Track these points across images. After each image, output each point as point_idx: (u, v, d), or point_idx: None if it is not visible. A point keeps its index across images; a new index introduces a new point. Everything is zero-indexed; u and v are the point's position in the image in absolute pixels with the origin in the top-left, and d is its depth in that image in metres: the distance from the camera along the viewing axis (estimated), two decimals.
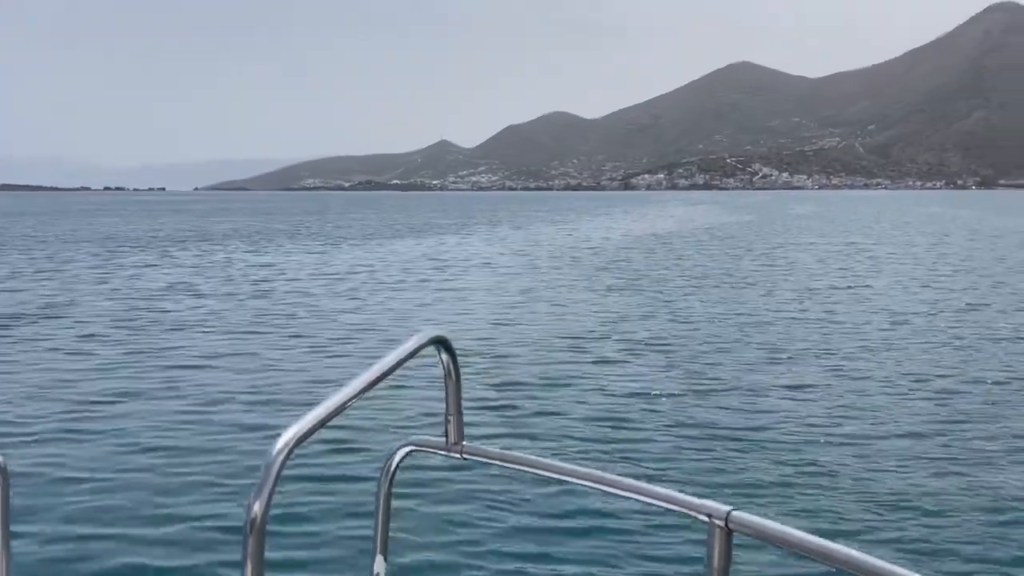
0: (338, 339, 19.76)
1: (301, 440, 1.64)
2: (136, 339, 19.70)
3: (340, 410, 1.74)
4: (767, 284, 31.56)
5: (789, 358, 17.81)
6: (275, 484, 1.58)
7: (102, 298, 27.51)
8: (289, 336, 20.25)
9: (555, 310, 24.50)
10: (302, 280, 33.22)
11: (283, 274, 35.83)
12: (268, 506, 1.57)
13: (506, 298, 27.27)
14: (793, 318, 23.52)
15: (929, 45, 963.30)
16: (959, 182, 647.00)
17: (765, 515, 1.62)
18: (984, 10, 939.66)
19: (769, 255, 45.80)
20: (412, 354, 1.92)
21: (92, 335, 20.18)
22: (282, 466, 1.60)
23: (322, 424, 1.69)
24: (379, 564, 2.15)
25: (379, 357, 1.87)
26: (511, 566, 7.86)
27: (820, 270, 37.09)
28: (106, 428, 12.19)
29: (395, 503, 2.15)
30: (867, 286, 30.82)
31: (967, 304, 25.84)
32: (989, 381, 15.82)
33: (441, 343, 2.01)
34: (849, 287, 30.57)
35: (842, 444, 11.67)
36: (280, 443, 1.61)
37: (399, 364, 1.88)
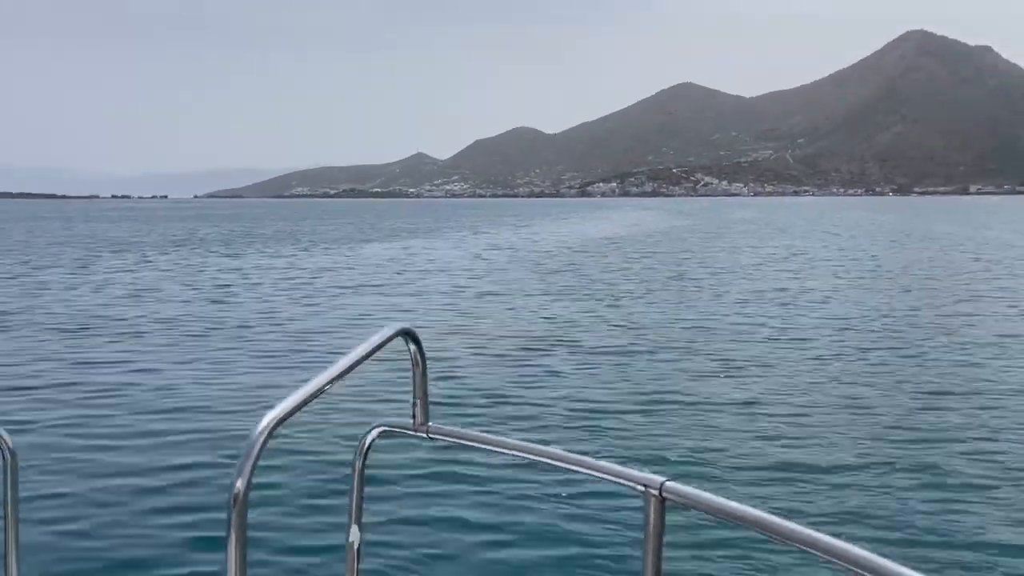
0: (315, 332, 19.70)
1: (280, 422, 1.64)
2: (129, 332, 19.61)
3: (316, 395, 1.74)
4: (708, 278, 31.51)
5: (729, 340, 17.98)
6: (256, 462, 1.58)
7: (91, 292, 27.51)
8: (273, 329, 20.14)
9: (511, 305, 24.46)
10: (284, 279, 32.97)
11: (267, 273, 35.49)
12: (250, 482, 1.57)
13: (468, 294, 27.18)
14: (731, 304, 23.75)
15: (852, 67, 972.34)
16: (877, 189, 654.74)
17: (699, 486, 1.62)
18: (900, 36, 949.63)
19: (709, 253, 45.96)
20: (382, 344, 1.93)
21: (85, 327, 20.10)
22: (263, 446, 1.60)
23: (299, 407, 1.69)
24: (354, 533, 2.16)
25: (352, 348, 1.87)
26: (470, 533, 7.98)
27: (755, 264, 37.05)
28: (102, 414, 12.12)
29: (368, 479, 2.15)
30: (798, 279, 30.92)
31: (894, 295, 26.14)
32: (918, 356, 16.22)
33: (408, 334, 2.01)
34: (781, 278, 30.45)
35: (775, 418, 11.72)
36: (261, 425, 1.62)
37: (370, 353, 1.89)
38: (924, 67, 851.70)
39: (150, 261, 41.53)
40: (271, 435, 1.62)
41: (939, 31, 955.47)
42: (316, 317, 22.23)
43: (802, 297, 25.56)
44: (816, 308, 23.06)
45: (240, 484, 1.56)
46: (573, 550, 7.65)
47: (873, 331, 19.45)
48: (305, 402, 1.71)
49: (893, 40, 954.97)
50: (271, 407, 1.66)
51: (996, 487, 9.06)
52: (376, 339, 1.93)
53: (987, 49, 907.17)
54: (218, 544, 1.52)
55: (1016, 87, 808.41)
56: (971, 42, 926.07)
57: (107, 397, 13.14)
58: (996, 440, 10.76)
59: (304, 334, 19.42)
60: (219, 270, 36.90)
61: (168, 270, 36.97)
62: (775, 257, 43.29)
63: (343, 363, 1.83)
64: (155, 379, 14.52)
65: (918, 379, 14.35)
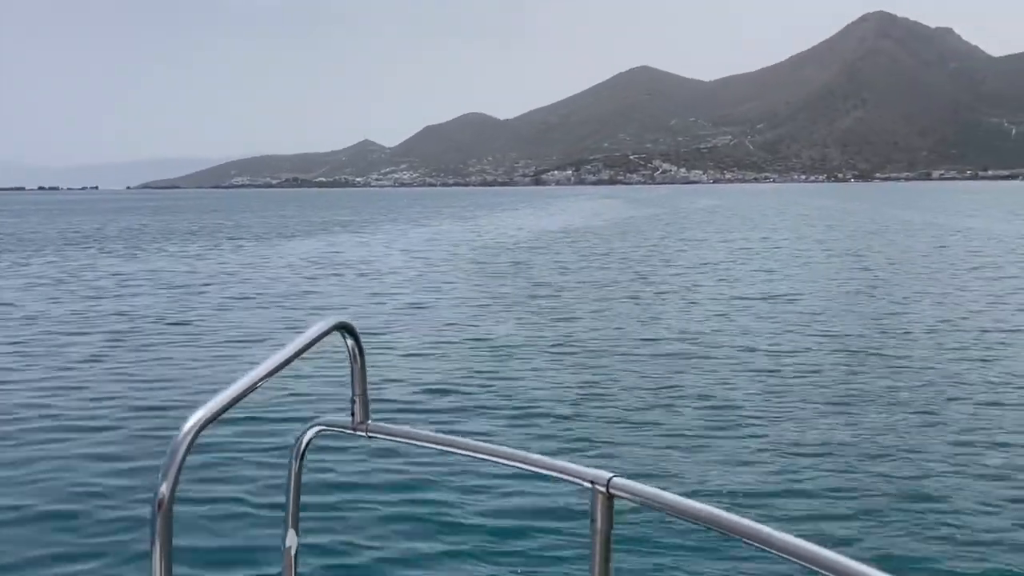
0: (249, 327, 19.71)
1: (207, 423, 1.61)
2: (53, 328, 19.63)
3: (246, 393, 1.71)
4: (660, 270, 32.00)
5: (677, 335, 18.13)
6: (181, 466, 1.55)
7: (15, 291, 27.27)
8: (202, 325, 20.12)
9: (454, 301, 24.42)
10: (216, 273, 32.61)
11: (195, 267, 35.26)
12: (175, 487, 1.54)
13: (407, 290, 27.12)
14: (679, 299, 24.09)
15: (811, 50, 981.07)
16: (839, 175, 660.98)
17: (647, 481, 1.62)
18: (859, 19, 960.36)
19: (666, 246, 46.33)
20: (317, 339, 1.89)
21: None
22: (188, 449, 1.56)
23: (228, 407, 1.66)
24: (291, 538, 2.12)
25: (286, 343, 1.84)
26: (414, 536, 7.95)
27: (710, 257, 37.61)
28: (19, 415, 12.04)
29: (305, 481, 2.12)
30: (752, 272, 31.39)
31: (843, 281, 26.46)
32: (874, 346, 16.62)
33: (345, 328, 1.99)
34: (734, 272, 31.14)
35: (724, 413, 11.93)
36: (186, 426, 1.58)
37: (304, 349, 1.85)
38: (885, 50, 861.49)
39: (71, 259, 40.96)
40: (198, 436, 1.58)
41: (900, 12, 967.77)
42: (248, 316, 21.90)
43: (754, 291, 25.77)
44: (767, 303, 23.37)
45: (164, 489, 1.53)
46: (520, 548, 7.68)
47: (827, 324, 19.76)
48: (235, 401, 1.68)
49: (853, 22, 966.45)
50: (197, 408, 1.63)
51: (947, 478, 9.26)
52: (311, 333, 1.89)
53: (948, 31, 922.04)
54: (144, 553, 1.47)
55: (977, 70, 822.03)
56: (932, 24, 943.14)
57: (25, 400, 13.07)
58: (939, 428, 11.10)
59: (234, 333, 19.13)
60: (135, 266, 36.45)
61: (80, 264, 36.41)
62: (733, 249, 43.74)
63: (276, 359, 1.80)
64: (76, 381, 14.41)
65: (871, 371, 14.72)
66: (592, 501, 1.65)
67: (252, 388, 1.72)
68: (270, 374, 1.76)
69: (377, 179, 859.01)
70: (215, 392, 1.67)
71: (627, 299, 24.11)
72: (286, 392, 12.28)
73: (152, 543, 1.54)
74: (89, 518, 8.32)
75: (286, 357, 1.81)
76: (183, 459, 1.55)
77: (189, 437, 1.57)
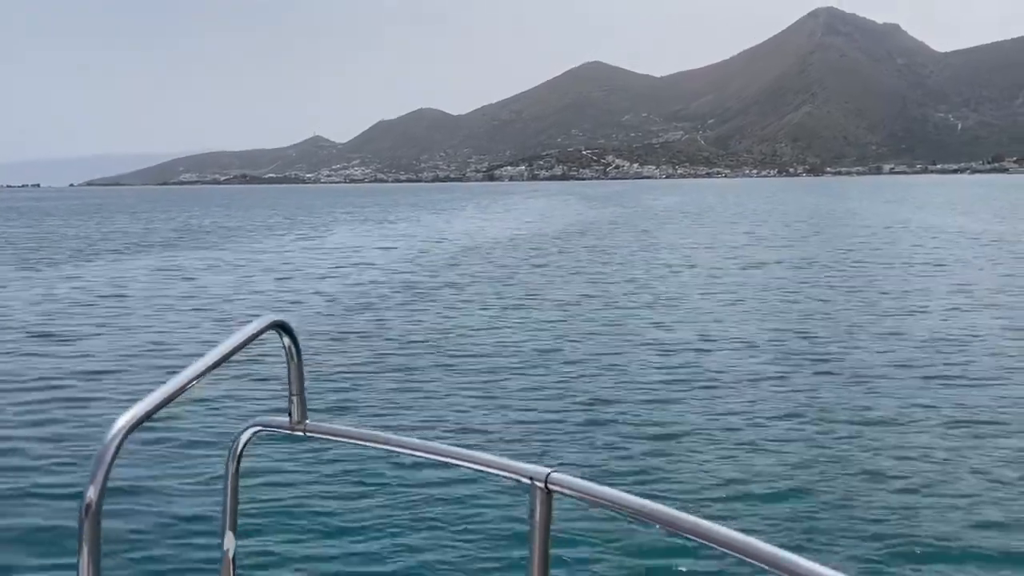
0: (183, 328, 19.73)
1: (136, 426, 1.56)
2: None
3: (177, 395, 1.66)
4: (602, 268, 32.33)
5: (615, 331, 18.50)
6: (109, 470, 1.50)
7: None
8: (133, 326, 20.10)
9: (391, 299, 24.48)
10: (147, 272, 32.48)
11: (122, 270, 34.52)
12: (103, 490, 1.49)
13: (347, 287, 27.21)
14: (619, 294, 24.62)
15: (761, 45, 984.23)
16: (790, 170, 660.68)
17: (586, 477, 1.63)
18: (808, 14, 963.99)
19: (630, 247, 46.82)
20: (252, 338, 1.85)
21: None
22: (116, 452, 1.52)
23: (158, 409, 1.61)
24: (228, 540, 2.07)
25: (219, 342, 1.80)
26: (354, 535, 7.94)
27: (654, 255, 38.11)
28: None
29: (243, 482, 2.08)
30: (691, 271, 31.73)
31: (788, 283, 26.91)
32: (820, 340, 17.09)
33: (281, 327, 1.94)
34: (676, 272, 31.48)
35: (664, 408, 12.12)
36: (115, 428, 1.53)
37: (238, 348, 1.81)
38: (834, 45, 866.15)
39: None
40: (126, 439, 1.53)
41: (848, 8, 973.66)
42: (180, 318, 21.69)
43: (696, 286, 26.17)
44: (709, 297, 23.78)
45: (92, 493, 1.48)
46: (459, 545, 7.74)
47: (770, 322, 20.14)
48: (165, 402, 1.63)
49: (802, 17, 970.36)
50: (127, 409, 1.58)
51: (886, 471, 9.52)
52: (245, 332, 1.84)
53: (895, 27, 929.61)
54: (71, 563, 1.41)
55: (923, 66, 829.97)
56: (879, 19, 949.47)
57: None
58: (878, 417, 11.41)
59: (167, 335, 19.03)
60: (62, 268, 36.07)
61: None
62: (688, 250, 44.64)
63: (208, 359, 1.75)
64: (2, 384, 14.35)
65: (812, 367, 15.04)
66: (531, 497, 1.66)
67: (184, 389, 1.68)
68: (202, 374, 1.72)
69: (328, 175, 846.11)
70: (145, 394, 1.61)
71: (569, 298, 24.11)
72: (223, 392, 12.20)
73: (79, 551, 1.49)
74: (13, 527, 8.15)
75: (219, 357, 1.77)
76: (111, 463, 1.51)
77: (117, 440, 1.52)
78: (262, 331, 1.88)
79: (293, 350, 2.01)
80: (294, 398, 2.04)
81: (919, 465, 9.71)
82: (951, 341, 16.92)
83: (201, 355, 1.75)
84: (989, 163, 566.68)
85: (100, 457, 1.51)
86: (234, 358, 1.80)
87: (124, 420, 1.54)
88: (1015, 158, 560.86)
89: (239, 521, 2.08)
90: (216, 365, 1.76)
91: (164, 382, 1.66)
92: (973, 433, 10.93)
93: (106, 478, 1.49)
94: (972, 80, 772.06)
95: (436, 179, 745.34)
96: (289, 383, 2.04)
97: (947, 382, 13.71)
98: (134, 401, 1.58)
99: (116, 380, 14.50)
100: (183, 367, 1.71)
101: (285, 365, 2.03)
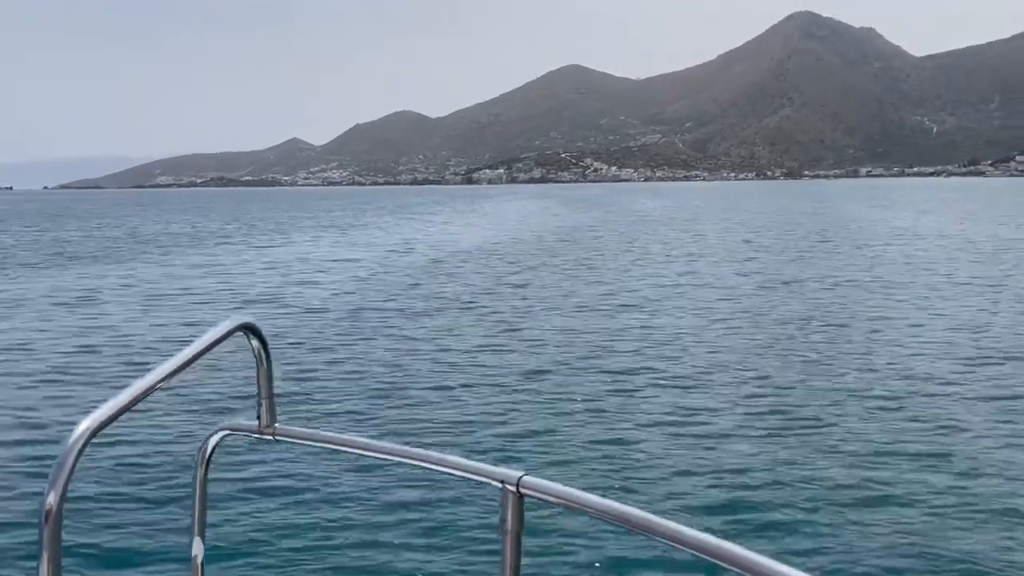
0: (149, 331, 19.60)
1: (100, 428, 1.51)
2: None
3: (142, 397, 1.61)
4: (577, 271, 32.33)
5: (587, 336, 18.43)
6: (71, 474, 1.46)
7: None
8: (103, 327, 20.02)
9: (361, 303, 24.39)
10: (111, 282, 30.87)
11: (89, 274, 33.99)
12: (64, 495, 1.44)
13: (314, 292, 27.05)
14: (593, 297, 24.58)
15: (739, 49, 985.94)
16: (768, 173, 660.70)
17: (558, 480, 1.61)
18: (785, 18, 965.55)
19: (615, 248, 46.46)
20: (220, 340, 1.80)
21: None
22: (78, 456, 1.47)
23: (123, 411, 1.56)
24: (197, 546, 2.03)
25: (186, 345, 1.75)
26: (324, 540, 7.87)
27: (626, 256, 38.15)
28: None
29: (211, 486, 2.03)
30: (664, 270, 31.81)
31: (759, 283, 27.10)
32: (792, 347, 16.91)
33: (250, 329, 1.90)
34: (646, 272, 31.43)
35: (636, 413, 12.13)
36: (77, 432, 1.48)
37: (206, 350, 1.77)
38: (810, 49, 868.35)
39: None
40: (89, 443, 1.49)
41: (825, 12, 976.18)
42: (148, 322, 21.48)
43: (671, 290, 26.16)
44: (682, 300, 23.80)
45: (52, 498, 1.43)
46: (431, 549, 7.71)
47: (737, 322, 20.32)
48: (131, 404, 1.58)
49: (780, 21, 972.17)
50: (90, 412, 1.53)
51: (858, 473, 9.58)
52: (213, 335, 1.80)
53: (871, 31, 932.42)
54: (32, 569, 1.37)
55: (899, 69, 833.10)
56: (855, 23, 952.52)
57: None
58: (851, 417, 11.51)
59: (136, 340, 18.83)
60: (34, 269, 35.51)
61: None
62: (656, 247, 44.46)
63: (175, 361, 1.70)
64: None
65: (791, 367, 15.24)
66: (503, 500, 1.65)
67: (149, 392, 1.63)
68: (168, 377, 1.68)
69: (305, 178, 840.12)
70: (109, 397, 1.56)
71: (542, 302, 24.11)
72: (190, 396, 12.09)
73: (40, 558, 1.44)
74: None
75: (186, 359, 1.72)
76: (73, 467, 1.46)
77: (80, 444, 1.48)
78: (230, 333, 1.84)
79: (262, 353, 1.97)
80: (263, 401, 2.00)
81: (890, 465, 9.82)
82: (931, 341, 17.06)
83: (168, 357, 1.71)
84: (965, 166, 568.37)
85: (61, 462, 1.46)
86: (201, 360, 1.76)
87: (87, 424, 1.50)
88: (990, 161, 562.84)
89: (208, 525, 2.04)
90: (183, 368, 1.71)
91: (129, 386, 1.60)
92: (941, 429, 11.06)
93: (67, 483, 1.45)
94: (948, 84, 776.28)
95: (414, 182, 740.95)
96: (258, 386, 2.00)
97: (920, 378, 13.88)
98: (98, 405, 1.53)
99: (78, 386, 14.27)
100: (149, 369, 1.66)
101: (255, 368, 1.99)
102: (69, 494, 1.45)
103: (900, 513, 8.46)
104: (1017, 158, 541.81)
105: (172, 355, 1.71)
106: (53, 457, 1.42)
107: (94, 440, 1.50)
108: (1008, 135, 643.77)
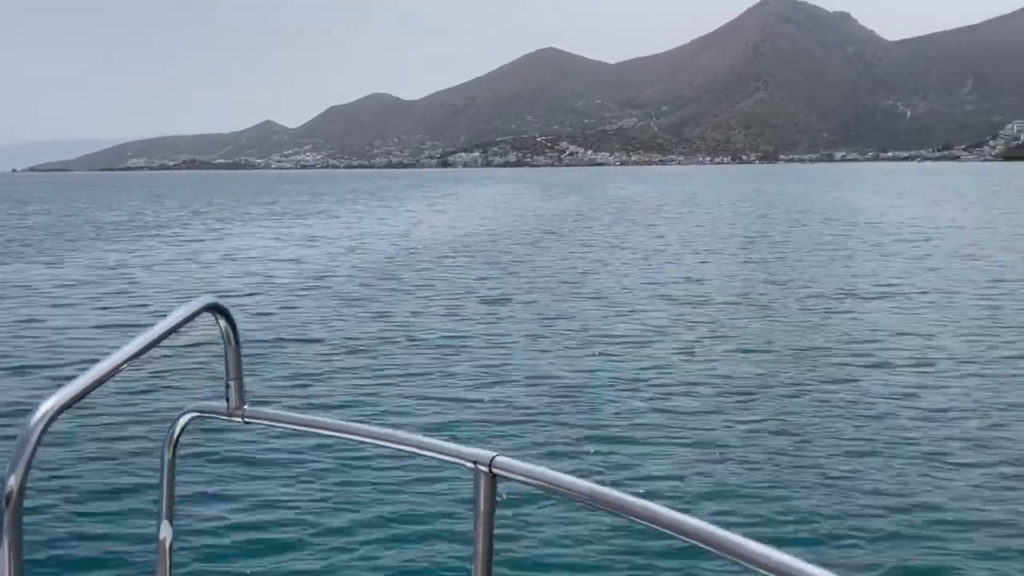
0: (115, 311, 19.39)
1: (63, 410, 1.47)
2: None
3: (106, 379, 1.56)
4: (555, 255, 32.25)
5: (561, 316, 18.40)
6: (32, 457, 1.41)
7: None
8: (67, 306, 19.80)
9: (330, 284, 24.23)
10: (75, 266, 30.00)
11: (53, 258, 32.78)
12: (25, 479, 1.40)
13: (283, 273, 26.89)
14: (570, 277, 24.66)
15: (714, 33, 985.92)
16: (744, 157, 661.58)
17: (531, 460, 1.60)
18: (760, 2, 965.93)
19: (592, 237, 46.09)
20: (186, 320, 1.76)
21: None
22: (39, 439, 1.43)
23: (86, 392, 1.52)
24: (165, 529, 1.98)
25: (151, 325, 1.69)
26: (294, 523, 7.82)
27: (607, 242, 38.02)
28: None
29: (179, 469, 1.98)
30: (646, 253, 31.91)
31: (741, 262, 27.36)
32: (771, 326, 16.85)
33: (217, 309, 1.85)
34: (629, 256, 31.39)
35: (610, 391, 12.10)
36: (38, 414, 1.44)
37: (171, 331, 1.72)
38: (786, 34, 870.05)
39: None
40: (52, 423, 1.44)
41: None
42: (113, 295, 21.56)
43: (649, 277, 25.60)
44: (661, 287, 23.41)
45: (13, 481, 1.39)
46: (403, 530, 7.65)
47: (722, 309, 20.27)
48: (95, 385, 1.53)
49: (755, 5, 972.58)
50: (52, 394, 1.47)
51: (834, 457, 9.53)
52: (180, 314, 1.75)
53: (845, 16, 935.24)
54: None
55: (872, 54, 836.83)
56: (830, 8, 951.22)
57: None
58: (840, 407, 11.48)
59: (103, 313, 18.73)
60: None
61: None
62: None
63: (139, 342, 1.64)
64: None
65: (768, 352, 15.13)
66: (475, 481, 1.64)
67: (114, 372, 1.58)
68: (133, 357, 1.63)
69: (279, 161, 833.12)
70: (71, 378, 1.51)
71: (517, 285, 23.85)
72: (157, 377, 11.91)
73: (0, 539, 1.39)
74: None
75: (151, 339, 1.67)
76: (34, 450, 1.42)
77: (41, 426, 1.43)
78: (197, 313, 1.80)
79: (230, 333, 1.93)
80: (231, 383, 1.97)
81: (875, 458, 9.74)
82: (922, 334, 16.74)
83: (133, 337, 1.66)
84: (939, 151, 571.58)
85: (22, 443, 1.42)
86: (168, 341, 1.72)
87: (49, 404, 1.46)
88: (964, 146, 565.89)
89: (176, 509, 2.02)
90: (148, 348, 1.67)
91: (91, 367, 1.56)
92: (936, 423, 10.96)
93: (29, 466, 1.41)
94: (921, 69, 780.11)
95: (389, 165, 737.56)
96: (226, 368, 1.97)
97: (912, 373, 13.75)
98: (63, 386, 1.48)
99: (40, 368, 14.09)
100: (114, 350, 1.62)
101: (223, 349, 1.95)
102: (31, 477, 1.41)
103: (890, 501, 8.38)
104: (990, 143, 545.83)
105: (137, 335, 1.67)
106: (13, 439, 1.39)
107: (58, 422, 1.46)
108: (980, 120, 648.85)
